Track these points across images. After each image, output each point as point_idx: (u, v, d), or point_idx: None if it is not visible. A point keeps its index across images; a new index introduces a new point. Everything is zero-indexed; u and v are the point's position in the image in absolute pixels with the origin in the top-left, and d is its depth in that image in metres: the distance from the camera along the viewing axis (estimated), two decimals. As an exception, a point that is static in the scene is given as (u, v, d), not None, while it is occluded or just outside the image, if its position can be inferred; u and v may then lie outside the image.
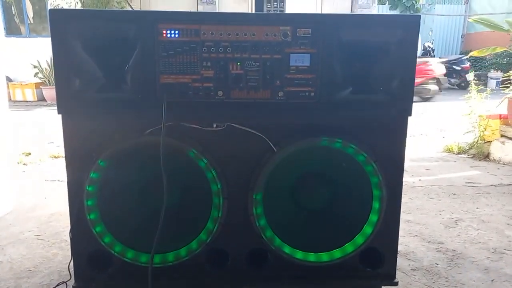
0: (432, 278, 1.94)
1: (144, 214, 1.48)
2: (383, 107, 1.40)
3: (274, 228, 1.49)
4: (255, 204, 1.45)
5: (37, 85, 8.89)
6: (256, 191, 1.44)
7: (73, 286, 1.52)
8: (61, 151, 4.06)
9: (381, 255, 1.56)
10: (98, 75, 1.37)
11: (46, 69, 8.82)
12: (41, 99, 8.88)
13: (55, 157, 4.17)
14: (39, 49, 8.88)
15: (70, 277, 1.58)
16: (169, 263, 1.49)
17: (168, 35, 1.33)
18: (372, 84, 1.39)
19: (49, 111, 7.61)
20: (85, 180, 1.40)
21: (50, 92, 8.76)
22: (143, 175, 1.47)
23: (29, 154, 4.27)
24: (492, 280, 1.90)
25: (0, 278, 1.90)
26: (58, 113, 1.38)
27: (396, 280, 1.59)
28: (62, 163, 4.04)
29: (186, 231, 1.50)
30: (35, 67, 8.82)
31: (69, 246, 1.53)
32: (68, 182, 1.45)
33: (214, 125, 1.43)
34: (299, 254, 1.51)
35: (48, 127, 5.95)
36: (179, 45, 1.34)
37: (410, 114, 1.42)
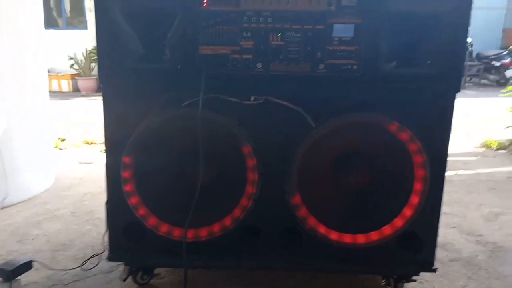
0: (472, 269, 1.85)
1: (179, 188, 1.46)
2: (430, 82, 1.33)
3: (309, 207, 1.45)
4: (290, 181, 1.41)
5: (73, 76, 9.11)
6: (291, 168, 1.40)
7: (107, 257, 1.53)
8: (94, 138, 4.18)
9: (420, 240, 1.49)
10: (139, 45, 1.37)
11: (81, 60, 9.04)
12: (76, 90, 9.10)
13: (88, 143, 4.27)
14: (75, 41, 9.14)
15: (103, 251, 1.60)
16: (202, 238, 1.47)
17: (209, 5, 1.31)
18: (419, 57, 1.32)
19: (83, 101, 7.82)
20: (122, 151, 1.40)
21: (84, 83, 8.96)
22: (179, 148, 1.45)
23: (64, 139, 4.38)
24: (538, 274, 1.80)
25: (37, 249, 1.96)
26: (100, 82, 1.39)
27: (434, 267, 1.51)
28: (94, 148, 4.11)
29: (220, 206, 1.48)
30: (71, 58, 9.06)
31: (102, 224, 1.54)
32: (106, 152, 1.45)
33: (252, 98, 1.39)
34: (334, 235, 1.47)
35: (82, 116, 6.12)
36: (219, 15, 1.31)
37: (458, 90, 1.34)
